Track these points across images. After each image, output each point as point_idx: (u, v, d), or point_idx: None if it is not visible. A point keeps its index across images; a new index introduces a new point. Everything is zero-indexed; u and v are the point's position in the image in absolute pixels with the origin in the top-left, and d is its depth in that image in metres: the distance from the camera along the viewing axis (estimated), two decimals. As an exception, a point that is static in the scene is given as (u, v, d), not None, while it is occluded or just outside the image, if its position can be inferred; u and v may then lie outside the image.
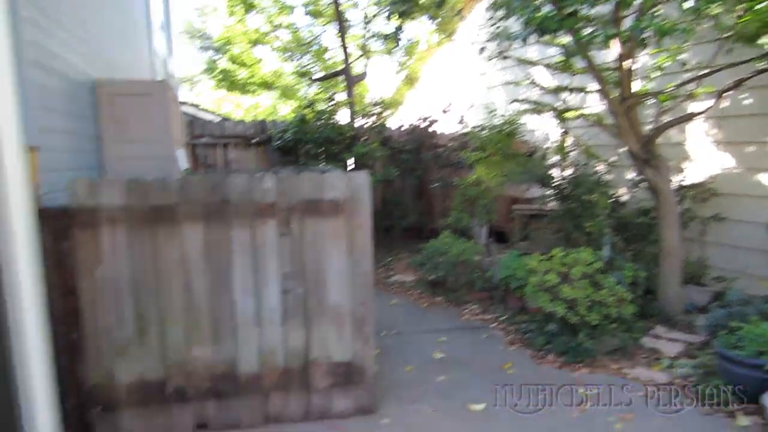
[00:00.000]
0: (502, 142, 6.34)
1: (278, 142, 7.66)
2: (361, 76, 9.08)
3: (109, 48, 4.84)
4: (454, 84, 9.91)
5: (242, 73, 15.16)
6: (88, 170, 3.92)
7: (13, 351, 2.49)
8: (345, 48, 8.33)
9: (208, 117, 9.00)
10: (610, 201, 5.61)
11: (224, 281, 3.10)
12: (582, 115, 5.61)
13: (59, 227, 2.88)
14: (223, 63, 15.43)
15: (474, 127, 6.83)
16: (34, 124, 2.76)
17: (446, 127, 8.24)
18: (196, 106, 9.45)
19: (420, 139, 8.18)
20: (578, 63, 5.05)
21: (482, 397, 3.56)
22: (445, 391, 3.68)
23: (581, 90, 5.49)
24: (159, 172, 3.64)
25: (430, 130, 8.22)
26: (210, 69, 15.63)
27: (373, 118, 8.01)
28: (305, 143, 7.43)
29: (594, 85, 4.80)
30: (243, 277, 3.12)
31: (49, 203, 2.89)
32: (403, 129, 8.39)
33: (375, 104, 8.16)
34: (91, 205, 2.90)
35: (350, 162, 7.53)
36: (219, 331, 3.12)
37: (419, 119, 8.30)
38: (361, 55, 9.94)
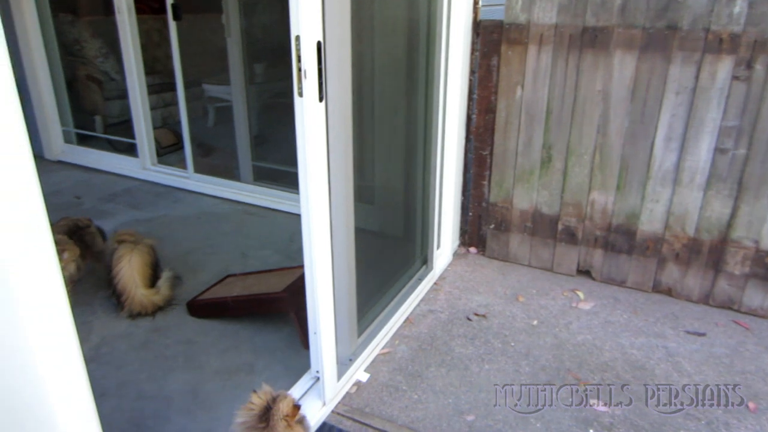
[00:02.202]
0: None
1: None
2: None
3: None
4: None
5: None
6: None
7: (437, 155, 2.73)
8: None
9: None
10: None
11: (645, 125, 2.67)
12: None
13: (490, 42, 2.87)
14: None
15: None
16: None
17: None
18: None
19: None
20: None
21: None
22: None
23: None
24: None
25: None
26: None
27: None
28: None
29: None
30: (670, 123, 2.62)
31: (485, 17, 2.86)
32: None
33: None
34: (522, 22, 2.76)
35: None
36: (625, 180, 2.80)
37: None
38: None
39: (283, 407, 1.44)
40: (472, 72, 2.95)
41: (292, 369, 2.26)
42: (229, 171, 4.24)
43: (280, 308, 2.47)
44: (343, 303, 2.10)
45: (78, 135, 4.97)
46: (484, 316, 2.67)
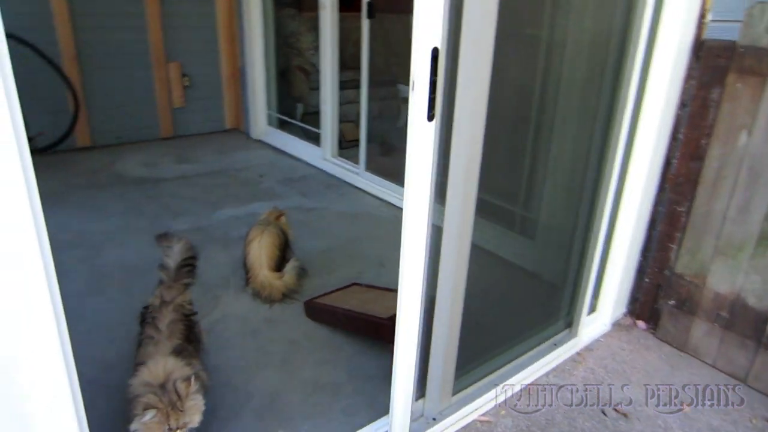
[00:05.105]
0: None
1: None
2: None
3: None
4: None
5: None
6: None
7: (608, 200, 2.19)
8: None
9: None
10: None
11: None
12: None
13: (713, 68, 2.23)
14: None
15: None
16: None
17: None
18: None
19: None
20: None
21: None
22: None
23: None
24: None
25: None
26: None
27: None
28: None
29: None
30: None
31: (711, 35, 2.23)
32: None
33: None
34: (765, 45, 2.08)
35: None
36: None
37: None
38: None
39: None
40: (682, 105, 2.33)
41: (375, 405, 2.00)
42: (398, 174, 4.10)
43: (381, 335, 2.21)
44: (440, 350, 1.78)
45: (278, 119, 5.32)
46: (625, 415, 2.08)
